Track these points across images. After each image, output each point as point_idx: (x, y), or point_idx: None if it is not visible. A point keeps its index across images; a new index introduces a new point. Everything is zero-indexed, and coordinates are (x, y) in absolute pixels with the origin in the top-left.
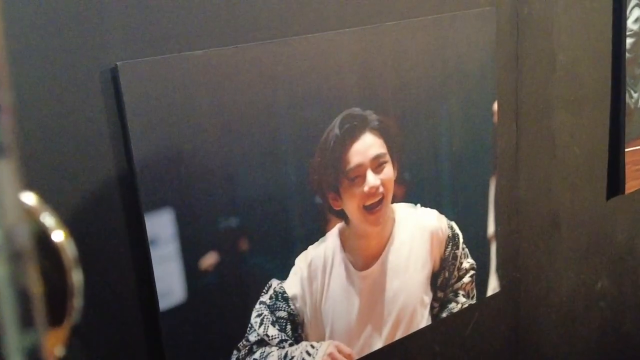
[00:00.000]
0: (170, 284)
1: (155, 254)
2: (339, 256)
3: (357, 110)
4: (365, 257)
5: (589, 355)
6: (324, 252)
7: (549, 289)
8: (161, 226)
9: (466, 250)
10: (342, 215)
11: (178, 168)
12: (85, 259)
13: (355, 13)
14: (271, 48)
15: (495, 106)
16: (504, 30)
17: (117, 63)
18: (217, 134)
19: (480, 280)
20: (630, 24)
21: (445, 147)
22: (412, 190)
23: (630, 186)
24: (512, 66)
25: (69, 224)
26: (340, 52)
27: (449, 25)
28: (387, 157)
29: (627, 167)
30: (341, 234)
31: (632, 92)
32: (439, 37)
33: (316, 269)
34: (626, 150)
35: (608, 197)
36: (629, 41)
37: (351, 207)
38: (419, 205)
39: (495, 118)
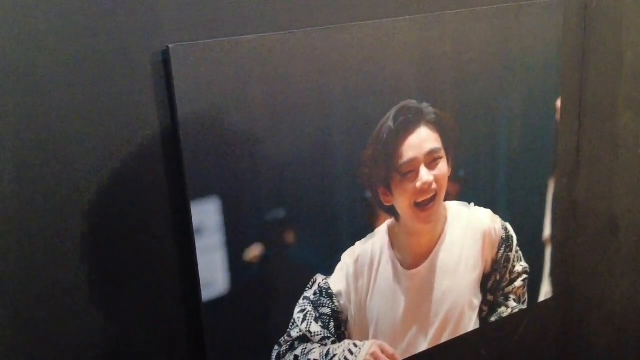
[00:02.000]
0: (213, 274)
1: (200, 243)
2: (386, 253)
3: (413, 102)
4: (414, 255)
5: None
6: (372, 248)
7: (603, 297)
8: (207, 215)
9: (520, 253)
10: (392, 212)
11: (226, 156)
12: (129, 245)
13: (415, 0)
14: (326, 34)
15: (559, 103)
16: (571, 24)
17: (169, 45)
18: (267, 123)
19: (533, 284)
20: None
21: (504, 144)
22: (467, 188)
23: None
24: (577, 62)
25: (116, 208)
26: (398, 41)
27: (513, 15)
28: (442, 153)
29: None
30: (390, 231)
31: None
32: (503, 28)
33: (363, 266)
34: None
35: None
36: None
37: (402, 203)
38: (472, 204)
39: (558, 116)
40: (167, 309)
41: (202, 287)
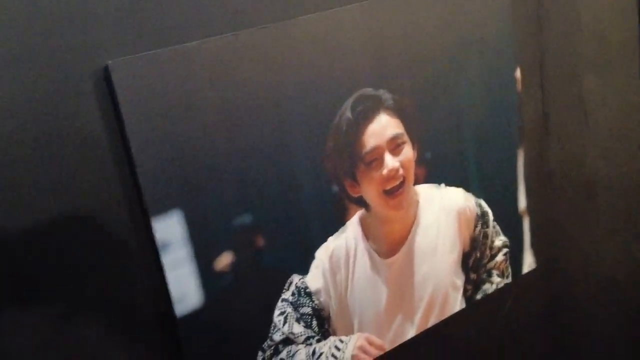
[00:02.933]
0: (185, 288)
1: (167, 259)
2: (361, 245)
3: (369, 90)
4: (389, 243)
5: (634, 327)
6: (346, 242)
7: (588, 261)
8: (171, 230)
9: (497, 227)
10: (361, 202)
11: (183, 167)
12: (93, 270)
13: None
14: (271, 32)
15: (518, 73)
16: None
17: (108, 62)
18: (221, 129)
19: (515, 257)
20: None
21: (468, 121)
22: (435, 169)
23: None
24: (533, 30)
25: (72, 235)
26: (346, 30)
27: None
28: (405, 137)
29: None
30: (362, 222)
31: None
32: (452, 5)
33: (338, 261)
34: None
35: None
36: None
37: (370, 192)
38: (443, 184)
39: (519, 86)
40: (142, 328)
41: (174, 302)
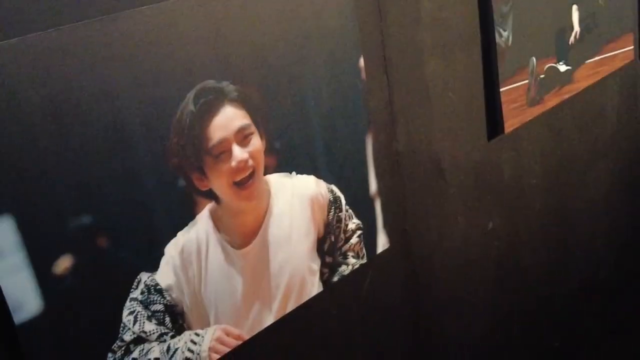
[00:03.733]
0: (23, 295)
1: (0, 266)
2: (213, 238)
3: (211, 82)
4: (242, 234)
5: (488, 295)
6: (197, 236)
7: (441, 237)
8: (1, 236)
9: (350, 211)
10: (210, 195)
11: (10, 171)
12: None
13: None
14: (100, 27)
15: (362, 62)
16: None
17: None
18: (50, 128)
19: (369, 238)
20: None
21: (314, 110)
22: (285, 158)
23: (509, 125)
24: (375, 18)
25: None
26: (184, 22)
27: None
28: (253, 128)
29: (504, 106)
30: (213, 215)
31: (501, 30)
32: None
33: (190, 255)
34: (501, 89)
35: (489, 139)
36: None
37: (220, 185)
38: (294, 173)
39: (364, 74)
40: None
41: (12, 310)
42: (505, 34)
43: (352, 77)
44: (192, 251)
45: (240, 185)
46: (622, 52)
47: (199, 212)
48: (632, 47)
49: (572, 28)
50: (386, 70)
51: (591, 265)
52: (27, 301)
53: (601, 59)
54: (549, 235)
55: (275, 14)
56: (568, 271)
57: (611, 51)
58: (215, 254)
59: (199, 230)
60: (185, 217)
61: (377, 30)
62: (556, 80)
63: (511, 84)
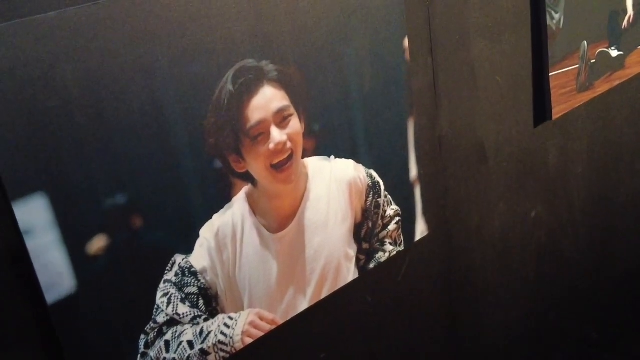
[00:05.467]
0: (56, 275)
1: (33, 244)
2: (249, 221)
3: (250, 62)
4: (279, 218)
5: (527, 286)
6: (232, 219)
7: (481, 225)
8: (35, 214)
9: (389, 197)
10: (247, 178)
11: (46, 147)
12: None
13: None
14: (140, 1)
15: (406, 42)
16: None
17: None
18: (87, 104)
19: (408, 225)
20: None
21: (356, 92)
22: (324, 141)
23: (557, 111)
24: None
25: None
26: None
27: None
28: (292, 110)
29: (552, 91)
30: (249, 198)
31: (552, 13)
32: None
33: (225, 238)
34: (550, 74)
35: (536, 125)
36: None
37: (257, 167)
38: (333, 156)
39: (407, 55)
40: (11, 320)
41: (44, 290)
42: (557, 16)
43: (396, 57)
44: (227, 234)
45: (277, 168)
46: None
47: (235, 194)
48: None
49: (625, 12)
50: (431, 51)
51: (635, 257)
52: (59, 281)
53: None
54: (593, 225)
55: None
56: (611, 263)
57: None
58: (251, 237)
59: (235, 213)
60: (221, 199)
61: (423, 9)
62: (607, 65)
63: (561, 69)
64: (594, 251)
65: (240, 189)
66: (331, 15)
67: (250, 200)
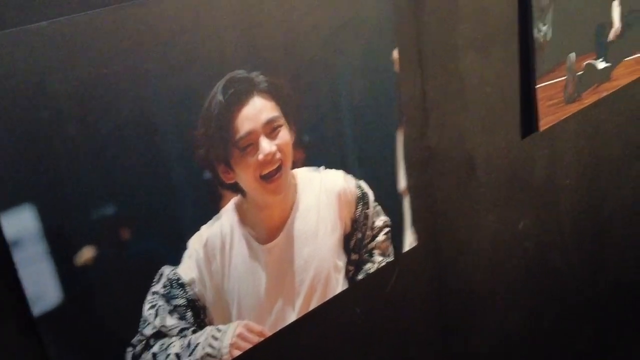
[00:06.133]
0: (42, 286)
1: (20, 256)
2: (238, 232)
3: (241, 72)
4: (268, 229)
5: (516, 297)
6: (221, 230)
7: (470, 236)
8: (22, 225)
9: (378, 208)
10: (236, 189)
11: (34, 158)
12: None
13: None
14: (131, 12)
15: (396, 54)
16: None
17: None
18: (76, 114)
19: (397, 236)
20: None
21: (345, 103)
22: (314, 152)
23: (545, 123)
24: (411, 8)
25: None
26: (216, 10)
27: None
28: (282, 120)
29: (540, 103)
30: (238, 208)
31: (540, 25)
32: None
33: (213, 249)
34: (538, 86)
35: (523, 136)
36: None
37: (246, 178)
38: (322, 167)
39: (397, 66)
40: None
41: (31, 301)
42: (544, 28)
43: (385, 69)
44: (216, 245)
45: (266, 178)
46: None
47: (224, 205)
48: None
49: (612, 24)
50: (420, 62)
51: (623, 269)
52: (46, 292)
53: None
54: (582, 237)
55: (309, 3)
56: (599, 274)
57: None
58: (240, 248)
59: (224, 224)
60: (210, 210)
61: (413, 21)
62: (594, 77)
63: (549, 80)
64: (583, 262)
65: (229, 200)
66: (321, 26)
67: (239, 210)
